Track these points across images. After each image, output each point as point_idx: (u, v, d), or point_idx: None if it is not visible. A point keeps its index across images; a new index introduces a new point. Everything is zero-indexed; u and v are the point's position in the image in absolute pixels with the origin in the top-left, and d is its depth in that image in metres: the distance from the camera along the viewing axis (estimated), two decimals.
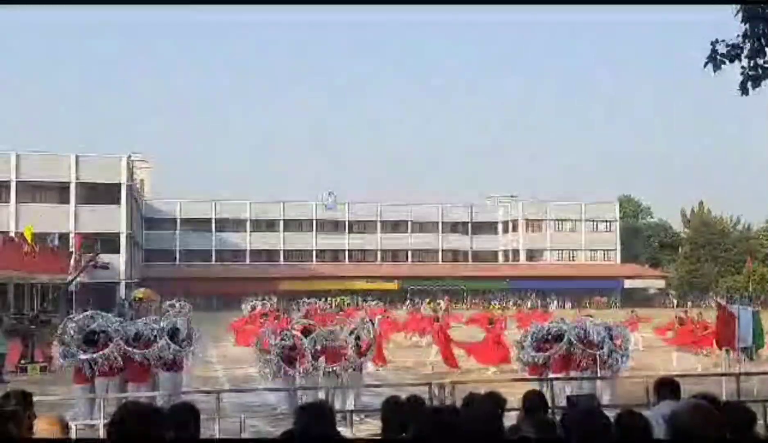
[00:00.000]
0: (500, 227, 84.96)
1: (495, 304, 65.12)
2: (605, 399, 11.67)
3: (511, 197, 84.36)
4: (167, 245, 74.20)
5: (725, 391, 11.28)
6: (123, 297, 49.76)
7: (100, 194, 53.54)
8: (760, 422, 7.45)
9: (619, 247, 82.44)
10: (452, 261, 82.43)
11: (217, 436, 8.74)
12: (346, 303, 56.61)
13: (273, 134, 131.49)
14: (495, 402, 4.06)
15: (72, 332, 12.70)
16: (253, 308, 35.36)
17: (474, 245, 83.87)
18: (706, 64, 7.04)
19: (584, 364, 13.22)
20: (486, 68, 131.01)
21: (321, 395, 12.13)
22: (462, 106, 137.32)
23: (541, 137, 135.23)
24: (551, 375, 12.71)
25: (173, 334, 13.08)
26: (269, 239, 78.08)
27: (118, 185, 54.61)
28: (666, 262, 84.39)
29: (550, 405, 9.33)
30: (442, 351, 20.68)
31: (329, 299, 59.59)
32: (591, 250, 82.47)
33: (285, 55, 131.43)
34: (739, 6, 7.00)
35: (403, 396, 4.30)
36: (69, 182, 53.37)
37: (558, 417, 3.98)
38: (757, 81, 7.07)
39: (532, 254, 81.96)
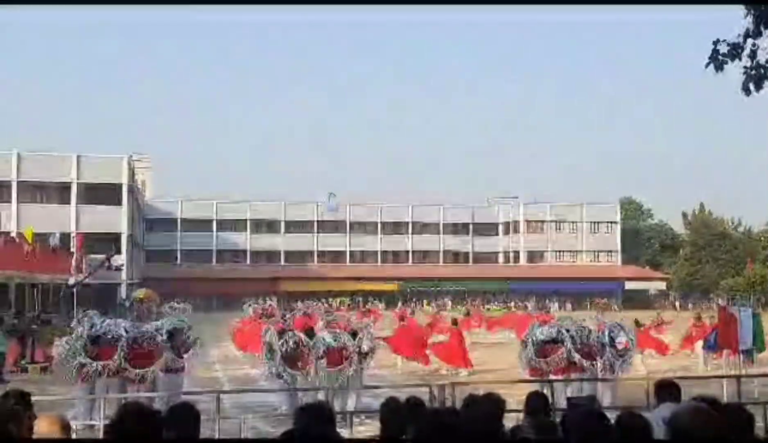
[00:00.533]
0: (501, 228, 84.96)
1: (492, 306, 65.14)
2: (606, 401, 11.65)
3: (512, 198, 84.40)
4: (168, 246, 74.28)
5: (726, 393, 11.26)
6: (124, 298, 49.77)
7: (101, 194, 53.57)
8: (761, 424, 7.45)
9: (620, 248, 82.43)
10: (453, 263, 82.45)
11: (217, 437, 8.73)
12: (368, 304, 55.98)
13: (273, 135, 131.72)
14: (495, 404, 4.06)
15: (76, 336, 12.64)
16: (255, 310, 35.26)
17: (475, 246, 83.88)
18: (707, 64, 6.99)
19: (584, 367, 13.18)
20: (486, 68, 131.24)
21: (321, 396, 12.12)
22: (462, 107, 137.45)
23: (542, 138, 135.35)
24: (551, 377, 12.69)
25: (172, 335, 13.05)
26: (270, 240, 78.14)
27: (119, 186, 54.64)
28: (667, 264, 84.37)
29: (550, 406, 9.34)
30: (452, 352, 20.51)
31: (329, 300, 59.55)
32: (592, 252, 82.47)
33: (285, 55, 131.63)
34: (746, 6, 6.95)
35: (403, 397, 4.30)
36: (70, 182, 53.42)
37: (558, 419, 3.98)
38: (759, 81, 7.03)
39: (532, 256, 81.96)
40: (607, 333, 13.64)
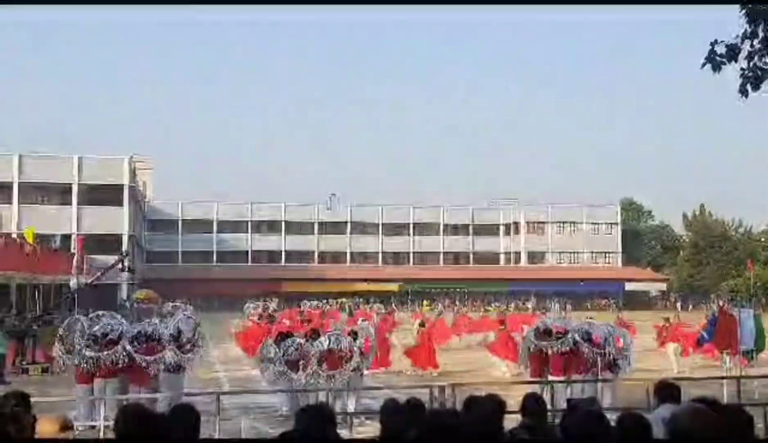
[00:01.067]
0: (502, 229, 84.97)
1: (492, 307, 65.04)
2: (606, 402, 11.66)
3: (513, 199, 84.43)
4: (169, 247, 74.29)
5: (726, 394, 11.27)
6: (125, 298, 49.81)
7: (103, 195, 53.63)
8: (760, 425, 7.46)
9: (620, 250, 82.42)
10: (454, 263, 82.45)
11: (218, 437, 8.74)
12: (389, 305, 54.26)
13: (274, 135, 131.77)
14: (495, 405, 4.06)
15: (78, 332, 12.65)
16: (255, 311, 35.27)
17: (475, 247, 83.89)
18: (703, 64, 7.00)
19: (586, 366, 13.19)
20: (486, 68, 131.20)
21: (321, 397, 12.14)
22: (462, 107, 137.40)
23: (542, 138, 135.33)
24: (551, 378, 12.71)
25: (177, 336, 13.08)
26: (271, 241, 78.17)
27: (121, 187, 54.69)
28: (667, 265, 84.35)
29: (550, 407, 9.35)
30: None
31: (330, 300, 59.49)
32: (592, 253, 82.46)
33: (285, 55, 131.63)
34: (742, 6, 6.97)
35: (403, 398, 4.31)
36: (71, 184, 53.47)
37: (558, 420, 3.98)
38: (756, 83, 7.03)
39: (533, 257, 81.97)
40: (606, 331, 13.68)
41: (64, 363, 12.89)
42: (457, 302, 64.86)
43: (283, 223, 78.86)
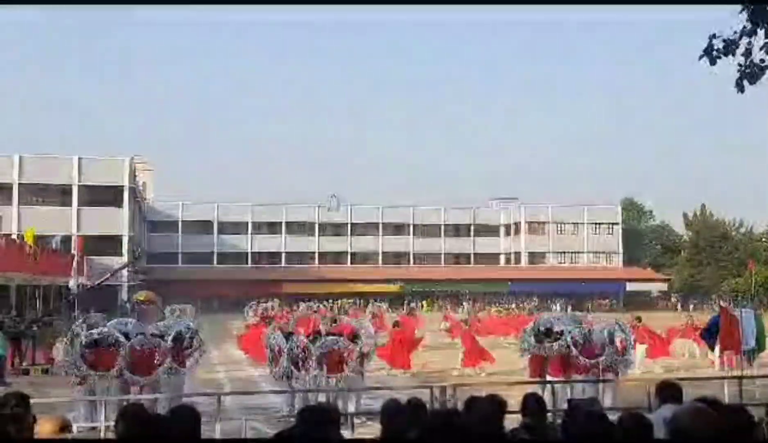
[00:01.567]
0: (502, 230, 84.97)
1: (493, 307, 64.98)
2: (607, 402, 11.65)
3: (513, 199, 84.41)
4: (169, 248, 74.25)
5: (727, 394, 11.25)
6: (125, 300, 49.79)
7: (103, 196, 53.64)
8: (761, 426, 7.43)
9: (621, 250, 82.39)
10: (454, 264, 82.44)
11: (218, 438, 8.73)
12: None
13: (274, 136, 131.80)
14: (496, 405, 4.05)
15: (80, 341, 12.55)
16: (255, 313, 35.21)
17: (476, 247, 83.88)
18: (701, 57, 7.04)
19: (586, 365, 13.17)
20: (486, 69, 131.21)
21: (322, 398, 12.13)
22: (462, 107, 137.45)
23: (542, 138, 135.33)
24: (550, 378, 12.70)
25: (177, 338, 13.05)
26: (271, 242, 78.15)
27: (121, 188, 54.69)
28: (668, 265, 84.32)
29: (551, 407, 9.34)
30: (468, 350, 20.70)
31: (330, 301, 59.44)
32: (593, 253, 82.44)
33: (286, 56, 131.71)
34: (742, 5, 6.98)
35: (404, 398, 4.30)
36: (71, 185, 53.47)
37: (559, 420, 3.97)
38: (753, 79, 7.07)
39: (533, 257, 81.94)
40: (606, 332, 13.65)
41: (66, 373, 12.86)
42: (468, 303, 65.15)
43: (283, 224, 78.84)
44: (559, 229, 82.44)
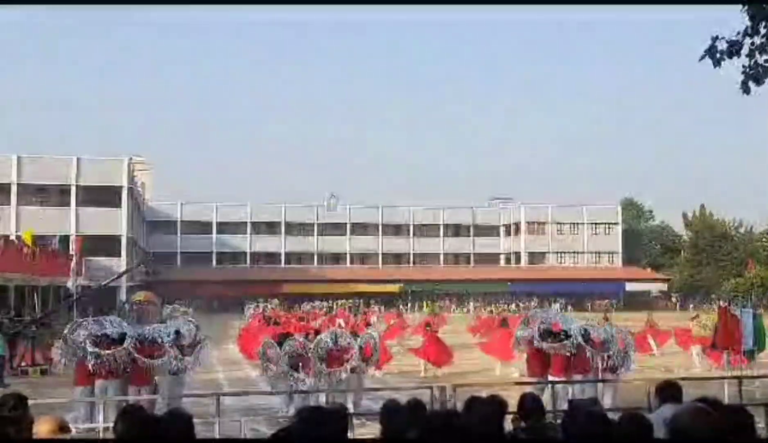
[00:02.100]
0: (502, 230, 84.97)
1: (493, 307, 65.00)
2: (607, 402, 11.64)
3: (513, 200, 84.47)
4: (168, 248, 74.20)
5: (727, 394, 11.24)
6: (124, 300, 49.77)
7: (101, 196, 53.56)
8: (761, 425, 7.43)
9: (620, 250, 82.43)
10: (454, 264, 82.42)
11: (217, 438, 8.72)
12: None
13: (273, 136, 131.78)
14: (496, 405, 4.04)
15: (81, 335, 12.52)
16: (255, 313, 35.27)
17: (476, 248, 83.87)
18: (702, 57, 6.98)
19: (588, 366, 13.16)
20: (486, 69, 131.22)
21: (322, 398, 12.12)
22: (462, 107, 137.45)
23: (541, 138, 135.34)
24: (552, 378, 12.69)
25: (176, 337, 13.05)
26: (270, 242, 78.12)
27: (119, 188, 54.63)
28: (668, 265, 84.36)
29: (551, 407, 9.32)
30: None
31: (329, 301, 59.49)
32: (593, 253, 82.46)
33: (285, 56, 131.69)
34: (744, 5, 6.94)
35: (404, 399, 4.29)
36: (70, 185, 53.41)
37: (560, 420, 3.96)
38: (758, 80, 7.01)
39: (533, 257, 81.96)
40: (607, 332, 13.66)
41: (65, 364, 12.82)
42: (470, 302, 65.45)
43: (282, 224, 78.81)
44: (558, 229, 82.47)
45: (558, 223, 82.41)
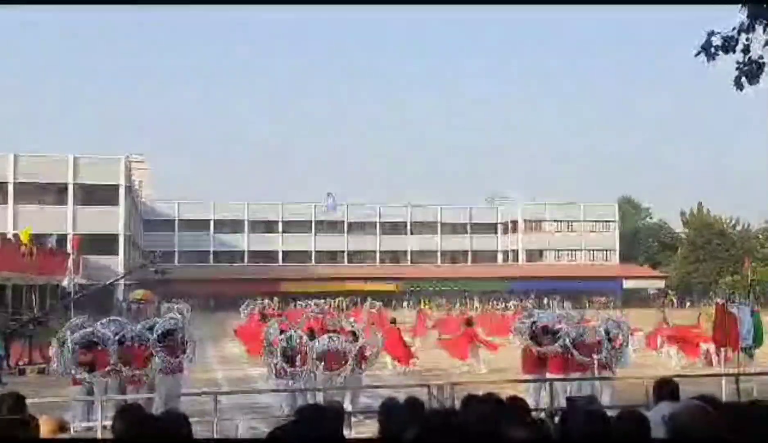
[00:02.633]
0: (500, 228, 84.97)
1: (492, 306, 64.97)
2: (605, 399, 11.64)
3: (511, 198, 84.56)
4: (165, 247, 73.99)
5: (724, 392, 11.26)
6: (121, 298, 49.75)
7: (99, 195, 53.53)
8: None
9: (618, 248, 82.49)
10: (451, 262, 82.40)
11: (215, 437, 8.71)
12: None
13: (272, 135, 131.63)
14: (494, 403, 4.04)
15: (70, 343, 12.43)
16: (252, 313, 35.11)
17: (473, 246, 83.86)
18: (698, 53, 6.95)
19: (583, 364, 13.15)
20: (486, 68, 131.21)
21: (320, 397, 12.11)
22: (462, 106, 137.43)
23: (541, 138, 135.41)
24: (549, 375, 12.68)
25: (166, 335, 12.90)
26: (268, 241, 78.01)
27: (117, 187, 54.59)
28: (665, 262, 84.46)
29: (549, 405, 9.32)
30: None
31: (327, 300, 59.32)
32: (590, 251, 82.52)
33: (284, 55, 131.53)
34: (742, 6, 6.93)
35: (402, 397, 4.29)
36: (67, 184, 53.34)
37: (557, 418, 3.96)
38: (751, 77, 7.00)
39: (531, 255, 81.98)
40: (603, 329, 13.63)
41: (62, 374, 12.77)
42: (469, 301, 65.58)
43: (280, 223, 78.71)
44: (556, 227, 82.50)
45: (556, 221, 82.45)
